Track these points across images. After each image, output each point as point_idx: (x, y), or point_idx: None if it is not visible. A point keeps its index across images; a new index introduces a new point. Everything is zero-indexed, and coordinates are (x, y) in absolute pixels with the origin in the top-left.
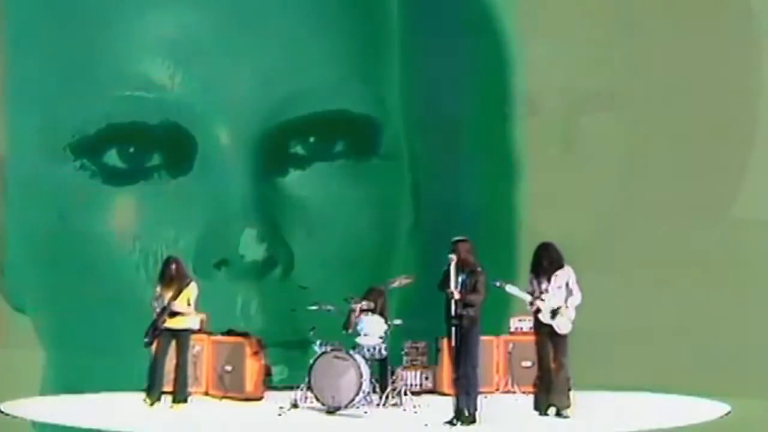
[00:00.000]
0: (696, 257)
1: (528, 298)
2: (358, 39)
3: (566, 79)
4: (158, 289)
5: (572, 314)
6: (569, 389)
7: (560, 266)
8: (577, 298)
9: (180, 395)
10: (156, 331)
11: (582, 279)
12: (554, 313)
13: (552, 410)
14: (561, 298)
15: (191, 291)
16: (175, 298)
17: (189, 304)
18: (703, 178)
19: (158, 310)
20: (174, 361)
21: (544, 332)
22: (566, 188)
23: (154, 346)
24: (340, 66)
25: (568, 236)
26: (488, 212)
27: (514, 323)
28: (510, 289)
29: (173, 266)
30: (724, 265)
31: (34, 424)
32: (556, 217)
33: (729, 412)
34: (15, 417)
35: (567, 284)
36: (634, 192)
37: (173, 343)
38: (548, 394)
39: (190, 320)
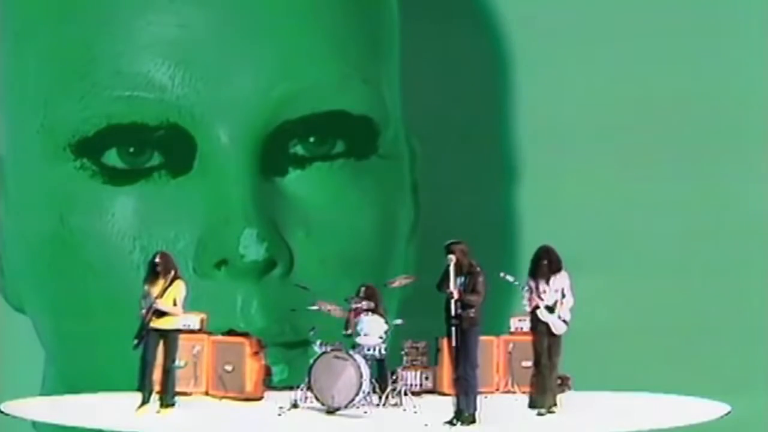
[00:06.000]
0: (696, 258)
1: (525, 293)
2: (358, 38)
3: (567, 78)
4: (146, 287)
5: (567, 316)
6: (568, 388)
7: (558, 270)
8: (569, 302)
9: (167, 400)
10: (144, 331)
11: (582, 279)
12: (551, 309)
13: (543, 409)
14: (557, 300)
15: (178, 290)
16: (160, 296)
17: (175, 304)
18: (703, 179)
19: (144, 309)
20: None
21: (541, 331)
22: (567, 189)
23: (142, 347)
24: (340, 66)
25: (569, 237)
26: (488, 213)
27: (514, 323)
28: (509, 278)
29: (158, 262)
30: (724, 265)
31: (34, 424)
32: (557, 218)
33: (729, 412)
34: (15, 417)
35: (562, 289)
36: (634, 192)
37: (161, 343)
38: (542, 392)
39: (178, 320)
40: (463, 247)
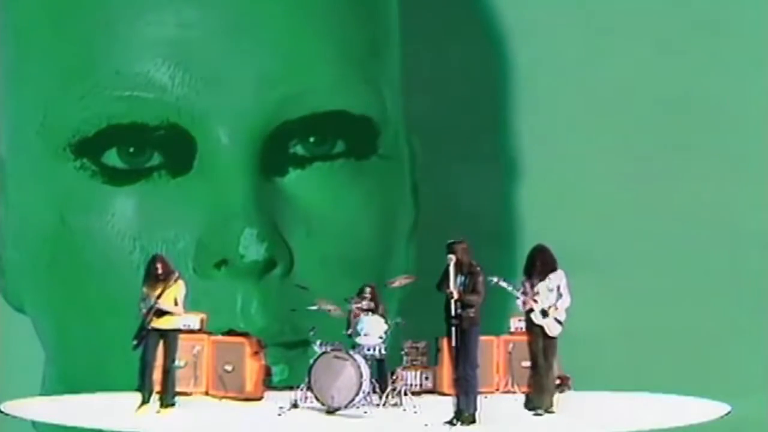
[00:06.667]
0: (696, 258)
1: (520, 296)
2: (358, 39)
3: (567, 79)
4: (144, 290)
5: (562, 317)
6: (568, 388)
7: (553, 269)
8: (566, 301)
9: (167, 400)
10: (144, 331)
11: (582, 279)
12: (544, 313)
13: (541, 409)
14: (552, 300)
15: (178, 289)
16: (160, 296)
17: (176, 304)
18: (704, 179)
19: (144, 310)
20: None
21: (536, 332)
22: (566, 189)
23: (142, 348)
24: (340, 66)
25: (569, 237)
26: (488, 213)
27: (514, 323)
28: (504, 284)
29: (158, 264)
30: (724, 265)
31: (34, 424)
32: (557, 218)
33: (729, 412)
34: (15, 417)
35: (558, 287)
36: (634, 193)
37: (161, 343)
38: (539, 393)
39: (178, 320)
40: (464, 246)
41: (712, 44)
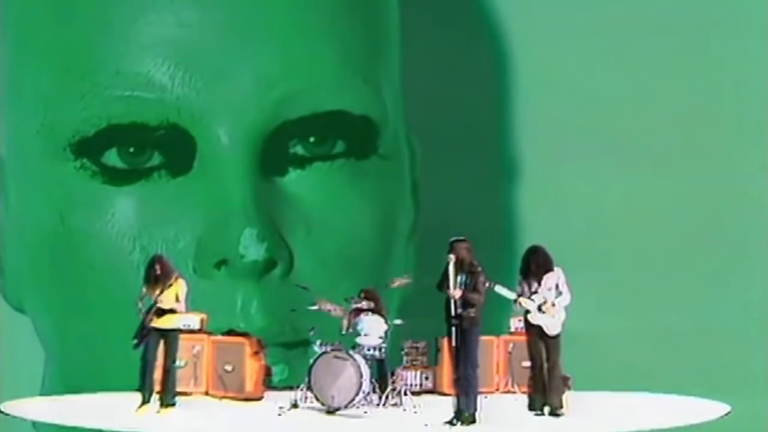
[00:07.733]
0: (696, 257)
1: (515, 297)
2: (358, 38)
3: (567, 78)
4: (144, 290)
5: (562, 315)
6: (568, 388)
7: (549, 269)
8: (566, 298)
9: (167, 399)
10: (144, 331)
11: (581, 279)
12: (540, 309)
13: (546, 409)
14: (550, 299)
15: (179, 287)
16: (160, 295)
17: (178, 300)
18: (703, 178)
19: (144, 310)
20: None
21: (534, 332)
22: (566, 189)
23: (143, 347)
24: (340, 66)
25: (569, 237)
26: (488, 213)
27: (514, 323)
28: (499, 289)
29: (157, 265)
30: (724, 264)
31: (34, 424)
32: (556, 218)
33: (729, 412)
34: (15, 417)
35: (557, 286)
36: (634, 192)
37: (161, 343)
38: (542, 393)
39: (179, 319)
40: (467, 245)
41: (714, 43)
